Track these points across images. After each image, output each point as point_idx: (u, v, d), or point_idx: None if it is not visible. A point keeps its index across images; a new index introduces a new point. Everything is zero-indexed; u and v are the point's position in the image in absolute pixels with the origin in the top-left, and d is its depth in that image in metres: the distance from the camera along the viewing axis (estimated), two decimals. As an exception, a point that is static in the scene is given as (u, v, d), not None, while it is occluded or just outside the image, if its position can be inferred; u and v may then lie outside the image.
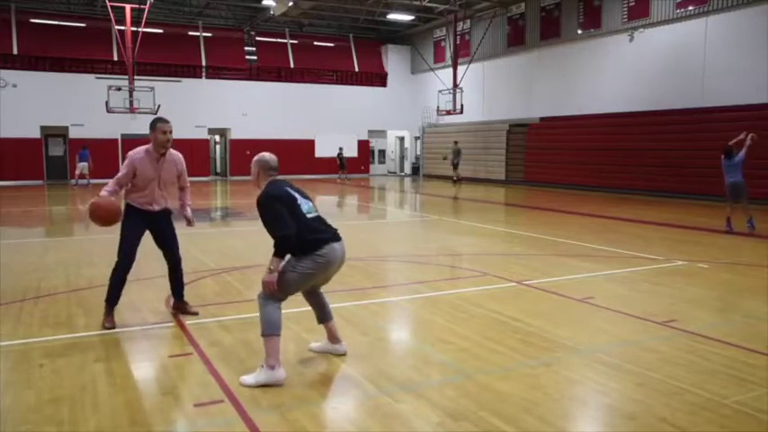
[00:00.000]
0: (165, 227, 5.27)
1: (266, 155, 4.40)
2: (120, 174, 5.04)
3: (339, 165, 27.96)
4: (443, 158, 26.29)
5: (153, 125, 5.11)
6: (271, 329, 3.88)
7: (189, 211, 5.49)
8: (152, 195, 5.13)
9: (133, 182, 5.06)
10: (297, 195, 4.10)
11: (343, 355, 4.37)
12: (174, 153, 5.30)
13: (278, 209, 3.90)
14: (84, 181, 23.40)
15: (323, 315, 4.43)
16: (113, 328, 4.96)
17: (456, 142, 25.72)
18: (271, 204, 3.93)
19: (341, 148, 28.64)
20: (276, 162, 4.37)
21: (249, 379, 3.83)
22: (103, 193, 4.95)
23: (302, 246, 3.94)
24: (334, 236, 4.11)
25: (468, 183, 26.16)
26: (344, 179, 27.71)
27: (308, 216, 4.06)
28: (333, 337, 4.44)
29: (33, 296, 6.18)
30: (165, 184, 5.19)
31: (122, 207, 5.11)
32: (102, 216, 4.92)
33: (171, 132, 5.15)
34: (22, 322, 5.25)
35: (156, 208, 5.18)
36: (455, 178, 24.98)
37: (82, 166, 23.36)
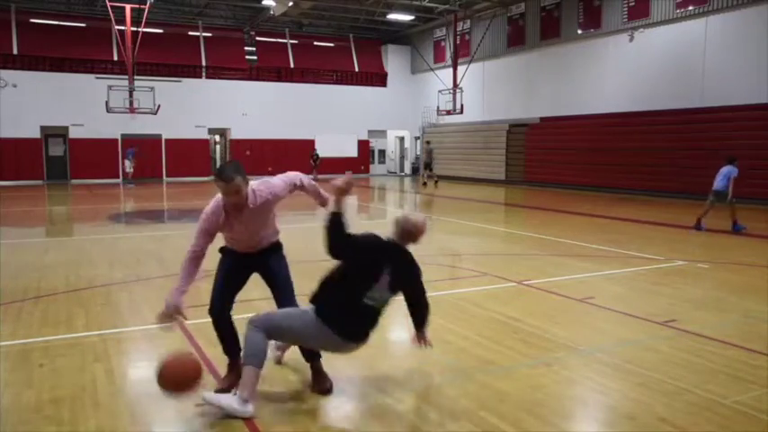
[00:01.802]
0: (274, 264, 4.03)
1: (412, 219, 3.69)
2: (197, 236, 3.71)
3: (313, 164, 28.16)
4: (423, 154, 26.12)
5: (215, 177, 3.63)
6: (251, 358, 3.40)
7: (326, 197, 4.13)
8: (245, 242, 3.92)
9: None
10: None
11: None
12: (260, 191, 3.78)
13: None
14: (131, 185, 23.66)
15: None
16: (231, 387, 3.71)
17: (428, 142, 25.72)
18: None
19: (315, 149, 29.15)
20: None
21: (214, 398, 3.42)
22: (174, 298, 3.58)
23: (325, 302, 3.52)
24: (355, 331, 3.56)
25: (467, 183, 26.14)
26: (316, 179, 28.04)
27: (364, 301, 3.51)
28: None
29: (33, 296, 6.18)
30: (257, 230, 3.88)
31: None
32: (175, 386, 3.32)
33: (237, 192, 3.57)
34: (22, 322, 5.25)
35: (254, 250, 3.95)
36: (425, 181, 24.35)
37: (128, 164, 23.97)
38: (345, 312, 3.45)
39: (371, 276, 3.47)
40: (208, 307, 3.85)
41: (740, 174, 11.11)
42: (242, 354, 3.50)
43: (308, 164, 29.63)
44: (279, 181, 3.93)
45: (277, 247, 4.04)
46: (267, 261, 3.95)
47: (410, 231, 3.60)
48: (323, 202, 4.12)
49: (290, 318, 3.54)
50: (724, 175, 11.08)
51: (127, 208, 16.46)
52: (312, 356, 3.82)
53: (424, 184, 24.13)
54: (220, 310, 3.83)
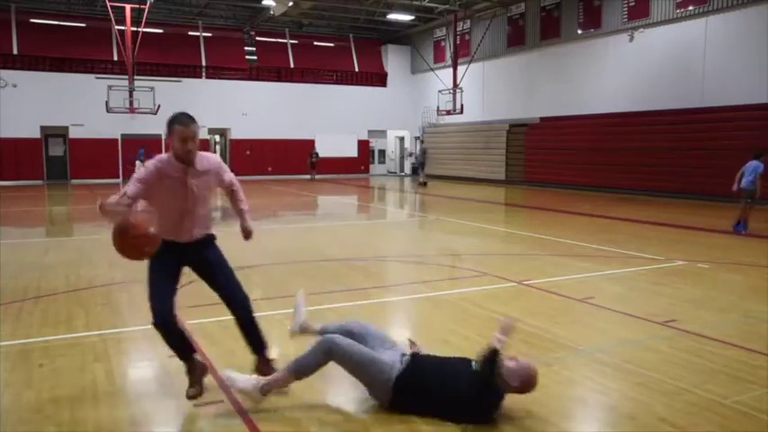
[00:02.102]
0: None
1: None
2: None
3: (311, 164, 28.37)
4: (409, 155, 25.92)
5: (169, 127, 3.49)
6: (298, 371, 3.47)
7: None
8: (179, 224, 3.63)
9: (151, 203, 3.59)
10: None
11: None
12: (209, 157, 3.75)
13: None
14: None
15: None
16: (199, 395, 3.60)
17: (422, 142, 25.70)
18: None
19: (315, 149, 29.43)
20: None
21: (239, 380, 3.47)
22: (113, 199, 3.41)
23: None
24: None
25: (468, 183, 26.14)
26: (313, 179, 28.12)
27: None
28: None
29: (33, 296, 6.18)
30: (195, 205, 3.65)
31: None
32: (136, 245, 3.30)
33: (194, 139, 3.49)
34: (22, 322, 5.25)
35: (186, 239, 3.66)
36: (425, 180, 24.44)
37: (138, 165, 24.10)
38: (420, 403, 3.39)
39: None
40: (151, 319, 3.50)
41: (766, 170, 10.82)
42: (296, 360, 3.48)
43: (307, 164, 29.68)
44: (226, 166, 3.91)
45: (212, 238, 3.81)
46: (202, 253, 3.72)
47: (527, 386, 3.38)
48: (241, 212, 4.01)
49: (370, 363, 3.43)
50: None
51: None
52: (256, 349, 3.86)
53: (424, 183, 24.20)
54: (165, 315, 3.48)
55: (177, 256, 3.61)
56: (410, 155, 25.81)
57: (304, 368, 3.46)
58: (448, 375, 3.38)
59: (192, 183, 3.57)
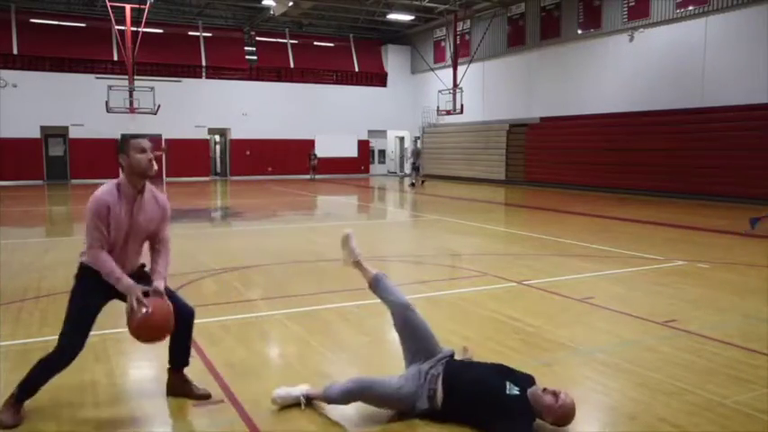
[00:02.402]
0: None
1: None
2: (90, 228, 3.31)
3: (311, 166, 28.40)
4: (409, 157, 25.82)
5: (122, 147, 3.41)
6: (330, 401, 3.48)
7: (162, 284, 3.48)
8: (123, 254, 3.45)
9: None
10: None
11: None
12: (157, 192, 3.61)
13: None
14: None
15: None
16: (18, 424, 3.30)
17: (415, 142, 25.72)
18: None
19: (314, 150, 29.40)
20: None
21: (285, 392, 3.52)
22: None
23: None
24: None
25: (468, 183, 26.15)
26: (314, 179, 28.07)
27: None
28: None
29: (33, 296, 6.18)
30: (138, 236, 3.50)
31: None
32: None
33: (151, 162, 3.42)
34: (22, 322, 5.25)
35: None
36: (413, 182, 24.44)
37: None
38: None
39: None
40: (66, 349, 3.34)
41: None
42: (326, 388, 3.48)
43: (306, 164, 29.68)
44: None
45: (144, 270, 3.61)
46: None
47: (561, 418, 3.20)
48: (159, 273, 3.54)
49: (395, 402, 3.39)
50: None
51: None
52: (181, 363, 3.64)
53: (423, 182, 24.18)
54: (79, 350, 3.38)
55: (107, 287, 3.38)
56: (410, 157, 25.90)
57: (332, 400, 3.45)
58: (483, 399, 3.24)
59: (136, 214, 3.42)
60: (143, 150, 3.38)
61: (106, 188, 3.35)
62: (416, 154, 25.18)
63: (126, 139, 3.43)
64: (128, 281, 3.31)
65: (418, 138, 31.81)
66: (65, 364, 3.38)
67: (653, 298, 6.14)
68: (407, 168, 33.41)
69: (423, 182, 24.60)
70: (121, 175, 3.41)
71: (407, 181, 24.62)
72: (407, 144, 33.45)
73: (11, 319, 5.34)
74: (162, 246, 3.60)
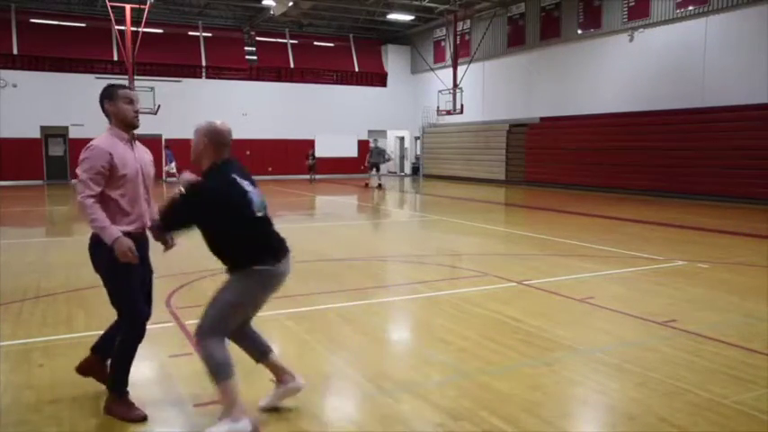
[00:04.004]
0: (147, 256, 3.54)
1: (218, 123, 3.33)
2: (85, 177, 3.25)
3: (309, 167, 27.90)
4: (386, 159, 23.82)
5: (111, 94, 3.54)
6: (222, 374, 3.09)
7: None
8: (140, 206, 3.41)
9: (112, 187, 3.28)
10: (246, 185, 3.21)
11: (300, 390, 3.48)
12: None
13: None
14: (174, 179, 23.78)
15: (260, 349, 3.47)
16: (144, 413, 3.37)
17: (376, 140, 24.88)
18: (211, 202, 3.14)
19: (312, 150, 28.92)
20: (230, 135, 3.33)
21: None
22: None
23: (248, 256, 3.18)
24: (285, 248, 3.39)
25: (467, 183, 26.13)
26: (313, 179, 27.85)
27: (258, 215, 3.23)
28: (281, 376, 3.46)
29: (33, 296, 6.18)
30: (148, 183, 3.52)
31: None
32: None
33: (137, 109, 3.51)
34: (22, 322, 5.25)
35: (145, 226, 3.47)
36: (379, 182, 22.71)
37: (170, 166, 24.52)
38: (266, 237, 3.29)
39: (247, 201, 3.25)
40: (136, 321, 3.36)
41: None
42: (209, 376, 3.15)
43: (305, 164, 29.63)
44: None
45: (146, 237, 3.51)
46: (145, 256, 3.51)
47: None
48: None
49: (225, 300, 3.26)
50: None
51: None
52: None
53: (379, 185, 22.59)
54: (147, 317, 3.43)
55: (140, 251, 3.33)
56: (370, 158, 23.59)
57: (221, 370, 3.14)
58: None
59: (138, 156, 3.46)
60: (131, 101, 3.42)
61: (101, 138, 3.36)
62: (379, 153, 23.55)
63: (113, 85, 3.44)
64: (113, 230, 3.17)
65: (418, 137, 31.80)
66: (142, 336, 3.40)
67: (653, 298, 6.14)
68: (408, 168, 33.45)
69: (379, 185, 22.66)
70: (109, 126, 3.45)
71: (374, 182, 22.82)
72: (407, 144, 33.44)
73: (11, 319, 5.34)
74: (149, 195, 3.58)
